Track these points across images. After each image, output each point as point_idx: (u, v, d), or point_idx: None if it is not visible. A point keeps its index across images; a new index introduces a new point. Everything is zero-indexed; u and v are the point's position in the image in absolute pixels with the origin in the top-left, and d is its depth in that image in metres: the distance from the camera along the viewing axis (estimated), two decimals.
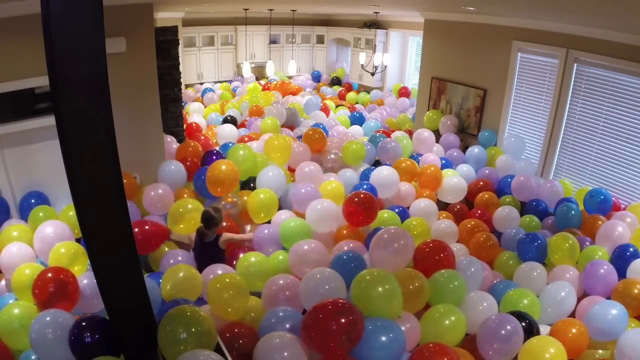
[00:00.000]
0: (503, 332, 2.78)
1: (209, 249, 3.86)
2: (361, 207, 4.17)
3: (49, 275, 2.95)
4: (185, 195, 4.67)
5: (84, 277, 3.14)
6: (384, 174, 5.02)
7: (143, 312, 2.29)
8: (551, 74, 5.29)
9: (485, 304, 3.20)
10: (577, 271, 3.70)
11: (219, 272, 3.43)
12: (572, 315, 3.41)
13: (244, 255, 3.83)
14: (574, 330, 3.00)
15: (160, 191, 4.47)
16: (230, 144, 5.84)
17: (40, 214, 3.84)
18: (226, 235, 3.90)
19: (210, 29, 10.28)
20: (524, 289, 3.45)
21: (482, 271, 3.57)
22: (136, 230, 3.77)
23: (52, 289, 2.89)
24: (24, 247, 3.48)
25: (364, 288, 2.86)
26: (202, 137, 6.53)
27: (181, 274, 3.27)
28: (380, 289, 2.81)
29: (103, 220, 1.92)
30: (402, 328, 2.78)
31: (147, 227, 3.82)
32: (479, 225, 4.53)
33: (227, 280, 3.07)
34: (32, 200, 4.02)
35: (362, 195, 4.26)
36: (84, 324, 2.50)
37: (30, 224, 3.83)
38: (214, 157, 5.13)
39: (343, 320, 2.45)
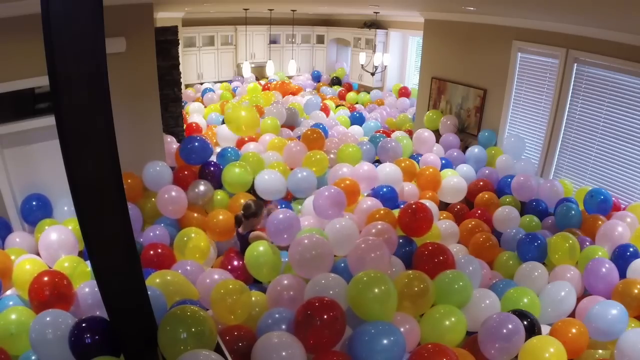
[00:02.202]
0: (505, 331, 2.78)
1: (240, 241, 3.90)
2: (416, 217, 3.98)
3: (45, 279, 2.95)
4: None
5: (86, 286, 3.12)
6: (386, 171, 5.02)
7: (143, 312, 2.29)
8: (551, 74, 5.29)
9: (487, 302, 3.20)
10: (577, 271, 3.70)
11: (215, 276, 3.38)
12: (572, 315, 3.41)
13: (252, 244, 3.70)
14: (574, 330, 3.00)
15: (173, 193, 4.33)
16: (229, 149, 5.66)
17: (47, 228, 3.81)
18: (255, 233, 3.83)
19: (210, 29, 10.28)
20: (524, 288, 3.45)
21: (480, 269, 3.57)
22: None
23: (48, 292, 2.89)
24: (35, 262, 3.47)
25: (361, 289, 2.86)
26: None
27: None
28: (376, 290, 2.81)
29: (103, 219, 1.92)
30: (402, 329, 2.78)
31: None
32: (479, 225, 4.52)
33: (231, 286, 3.04)
34: (34, 203, 4.00)
35: (414, 206, 4.04)
36: (84, 324, 2.50)
37: (36, 236, 3.83)
38: (212, 168, 5.03)
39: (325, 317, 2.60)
